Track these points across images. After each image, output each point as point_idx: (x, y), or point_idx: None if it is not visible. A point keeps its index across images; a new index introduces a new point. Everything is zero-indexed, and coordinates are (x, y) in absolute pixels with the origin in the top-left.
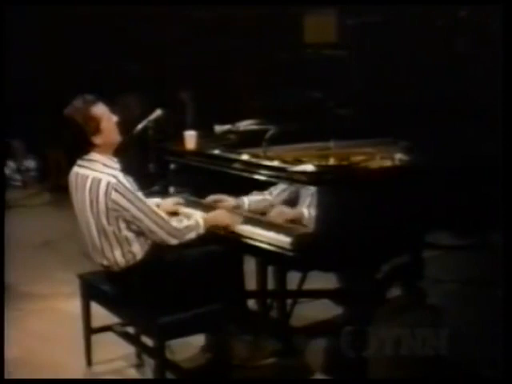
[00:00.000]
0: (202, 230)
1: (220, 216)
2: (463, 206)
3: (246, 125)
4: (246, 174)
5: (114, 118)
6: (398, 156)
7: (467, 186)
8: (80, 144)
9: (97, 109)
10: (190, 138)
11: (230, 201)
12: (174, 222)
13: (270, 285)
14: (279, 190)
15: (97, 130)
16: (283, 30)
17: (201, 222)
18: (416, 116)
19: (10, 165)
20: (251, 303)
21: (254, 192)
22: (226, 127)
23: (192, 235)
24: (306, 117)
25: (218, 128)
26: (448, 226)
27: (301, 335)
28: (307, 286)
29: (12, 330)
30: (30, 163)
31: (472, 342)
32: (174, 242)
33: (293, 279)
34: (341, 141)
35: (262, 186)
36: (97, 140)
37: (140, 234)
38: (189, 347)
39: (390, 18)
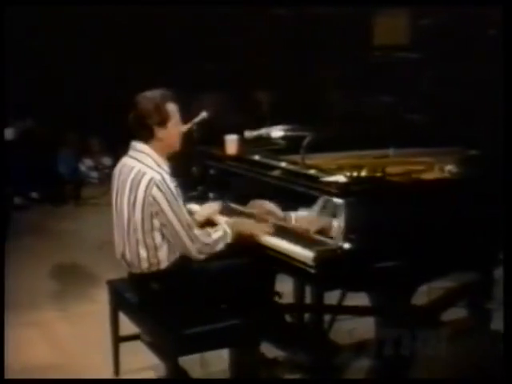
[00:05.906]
0: (229, 239)
1: (246, 225)
2: None
3: (277, 130)
4: (280, 182)
5: (182, 128)
6: (448, 168)
7: None
8: (140, 129)
9: (171, 106)
10: (231, 143)
11: (271, 207)
12: (204, 237)
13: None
14: (321, 204)
15: (163, 123)
16: (355, 32)
17: (229, 231)
18: (490, 123)
19: (87, 162)
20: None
21: (301, 208)
22: (257, 133)
23: (220, 246)
24: (373, 121)
25: (248, 133)
26: None
27: (339, 352)
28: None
29: (50, 331)
30: (107, 161)
31: None
32: (201, 257)
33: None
34: (401, 148)
35: (303, 194)
36: (159, 133)
37: (169, 241)
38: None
39: (464, 19)
